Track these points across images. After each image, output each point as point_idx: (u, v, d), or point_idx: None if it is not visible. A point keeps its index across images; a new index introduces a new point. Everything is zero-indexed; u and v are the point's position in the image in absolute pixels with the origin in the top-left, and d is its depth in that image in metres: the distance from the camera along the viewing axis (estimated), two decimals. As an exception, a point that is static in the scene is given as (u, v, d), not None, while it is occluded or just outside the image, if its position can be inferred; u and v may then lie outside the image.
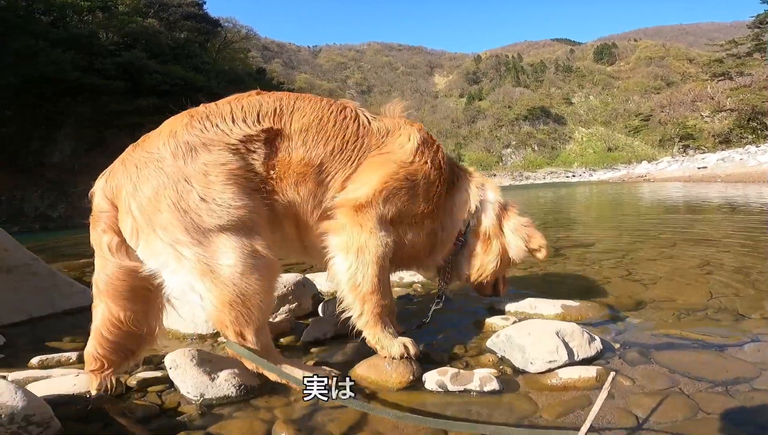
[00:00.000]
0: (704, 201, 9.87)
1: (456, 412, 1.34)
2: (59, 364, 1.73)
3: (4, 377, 1.44)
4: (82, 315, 2.63)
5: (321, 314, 2.28)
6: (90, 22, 42.48)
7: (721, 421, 1.23)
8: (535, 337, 1.66)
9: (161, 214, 1.43)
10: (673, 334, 1.88)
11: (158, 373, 1.56)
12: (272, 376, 1.53)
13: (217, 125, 1.54)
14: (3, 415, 1.07)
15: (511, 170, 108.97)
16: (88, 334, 2.10)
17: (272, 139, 1.59)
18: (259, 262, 1.48)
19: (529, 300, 2.30)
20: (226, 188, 1.47)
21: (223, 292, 1.44)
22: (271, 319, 2.01)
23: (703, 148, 68.94)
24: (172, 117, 1.62)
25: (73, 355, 1.79)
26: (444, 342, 1.89)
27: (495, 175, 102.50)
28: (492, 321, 2.07)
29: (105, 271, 1.46)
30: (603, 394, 1.11)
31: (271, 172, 1.58)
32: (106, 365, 1.47)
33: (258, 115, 1.59)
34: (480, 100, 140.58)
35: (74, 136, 35.56)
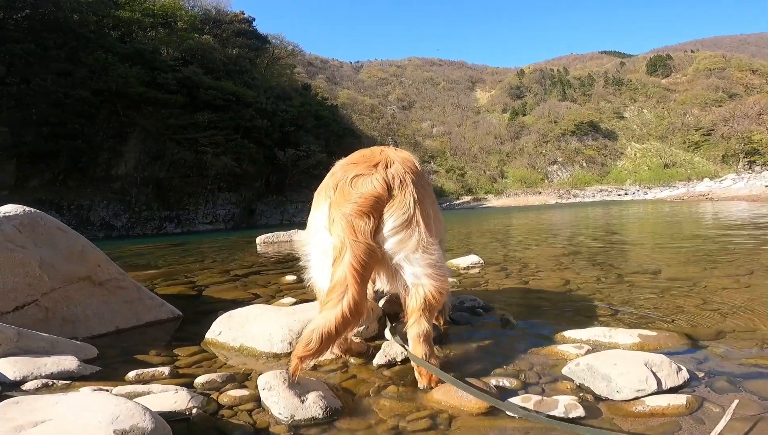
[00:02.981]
0: (777, 224, 9.15)
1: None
2: (154, 379, 1.80)
3: (108, 391, 1.55)
4: (162, 327, 2.80)
5: (387, 337, 2.31)
6: (153, 37, 45.04)
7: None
8: (622, 367, 1.66)
9: (428, 210, 1.80)
10: (762, 364, 1.83)
11: (245, 392, 1.63)
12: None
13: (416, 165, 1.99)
14: (134, 438, 1.14)
15: (558, 188, 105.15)
16: (172, 348, 2.27)
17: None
18: None
19: (601, 329, 2.25)
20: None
21: (443, 285, 1.73)
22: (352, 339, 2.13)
23: (770, 164, 64.07)
24: (391, 148, 2.00)
25: (166, 370, 1.88)
26: (515, 369, 1.87)
27: (540, 193, 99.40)
28: (564, 349, 2.04)
29: (364, 255, 1.56)
30: (726, 417, 1.21)
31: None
32: (319, 351, 1.51)
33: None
34: (524, 115, 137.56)
35: (138, 150, 37.97)
